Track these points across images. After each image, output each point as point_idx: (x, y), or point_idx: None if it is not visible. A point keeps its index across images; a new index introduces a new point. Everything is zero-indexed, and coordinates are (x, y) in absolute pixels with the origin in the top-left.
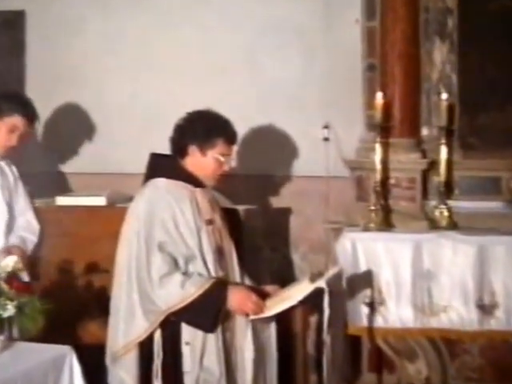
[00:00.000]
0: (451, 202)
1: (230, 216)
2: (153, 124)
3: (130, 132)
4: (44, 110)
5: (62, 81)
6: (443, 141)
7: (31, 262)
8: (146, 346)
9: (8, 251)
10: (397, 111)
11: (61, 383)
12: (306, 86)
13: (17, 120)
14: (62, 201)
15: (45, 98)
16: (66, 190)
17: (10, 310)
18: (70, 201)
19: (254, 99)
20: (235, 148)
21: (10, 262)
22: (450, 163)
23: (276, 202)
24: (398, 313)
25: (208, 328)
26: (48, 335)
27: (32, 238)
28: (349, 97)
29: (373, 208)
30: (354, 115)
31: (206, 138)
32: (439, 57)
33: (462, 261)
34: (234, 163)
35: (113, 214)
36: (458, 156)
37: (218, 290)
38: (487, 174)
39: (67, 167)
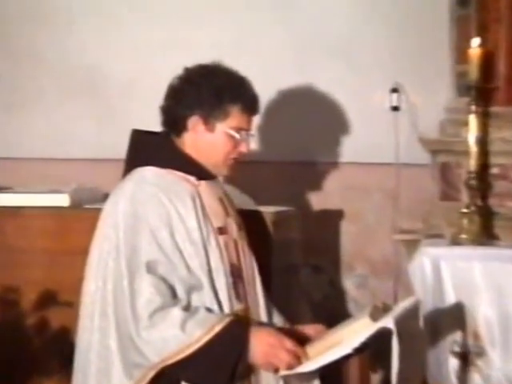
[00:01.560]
0: None
1: (251, 222)
2: (137, 85)
3: (103, 99)
4: None
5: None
6: None
7: None
8: None
9: None
10: (503, 66)
11: None
12: (363, 31)
13: None
14: (3, 200)
15: None
16: (8, 183)
17: None
18: (16, 200)
19: (288, 50)
20: (256, 120)
21: None
22: None
23: (319, 201)
24: (505, 369)
25: None
26: None
27: None
28: (428, 46)
29: (465, 211)
30: (437, 73)
31: (214, 104)
32: None
33: None
34: (255, 144)
35: (79, 220)
36: None
37: (236, 333)
38: None
39: (11, 151)
